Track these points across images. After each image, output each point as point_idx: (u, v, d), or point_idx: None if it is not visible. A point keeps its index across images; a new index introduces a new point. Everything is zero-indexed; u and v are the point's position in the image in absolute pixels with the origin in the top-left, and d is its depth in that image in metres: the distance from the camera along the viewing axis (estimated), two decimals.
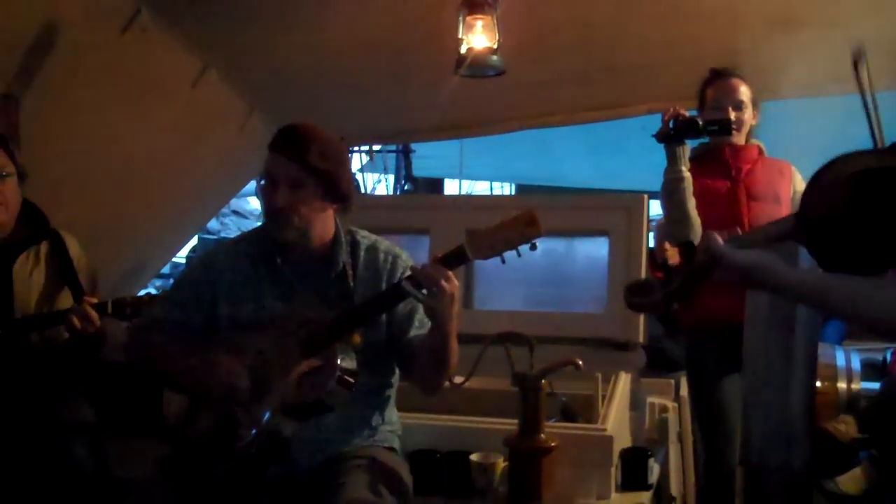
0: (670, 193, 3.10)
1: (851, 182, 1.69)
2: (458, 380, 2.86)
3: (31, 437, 2.76)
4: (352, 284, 2.46)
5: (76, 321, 2.76)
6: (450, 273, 2.22)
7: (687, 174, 3.09)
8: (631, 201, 3.62)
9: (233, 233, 6.93)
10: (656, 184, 3.18)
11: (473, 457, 2.72)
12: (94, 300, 2.84)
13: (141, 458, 2.76)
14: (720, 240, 1.87)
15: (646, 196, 3.60)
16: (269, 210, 2.39)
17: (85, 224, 3.22)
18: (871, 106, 2.58)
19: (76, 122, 3.48)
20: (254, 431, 2.30)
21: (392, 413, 2.60)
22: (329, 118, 3.01)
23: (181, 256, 6.13)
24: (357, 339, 2.35)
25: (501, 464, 2.70)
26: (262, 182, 2.39)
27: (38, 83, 3.27)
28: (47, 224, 2.97)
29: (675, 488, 3.43)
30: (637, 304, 2.12)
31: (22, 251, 2.89)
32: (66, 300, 2.93)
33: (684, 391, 3.64)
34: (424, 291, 2.23)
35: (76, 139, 3.52)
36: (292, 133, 2.39)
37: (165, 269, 5.97)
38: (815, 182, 1.76)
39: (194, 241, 6.68)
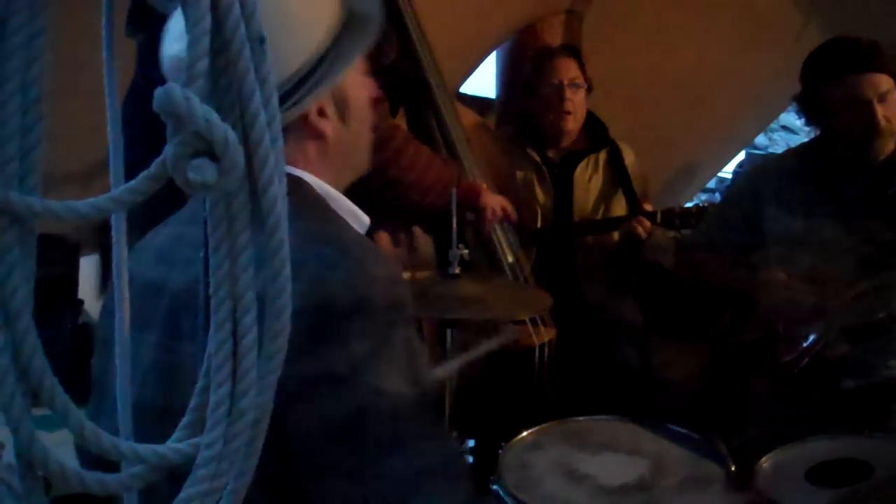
0: None
1: None
2: None
3: (585, 331, 2.97)
4: None
5: (632, 228, 2.91)
6: None
7: None
8: None
9: (780, 148, 6.70)
10: None
11: None
12: (647, 208, 2.96)
13: (682, 362, 2.85)
14: None
15: None
16: (872, 129, 2.25)
17: (639, 135, 3.34)
18: None
19: (633, 34, 3.60)
20: (804, 346, 2.26)
21: None
22: (891, 26, 2.74)
23: (728, 171, 6.07)
24: None
25: None
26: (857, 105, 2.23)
27: None
28: (607, 134, 3.13)
29: None
30: None
31: (583, 158, 3.09)
32: (619, 206, 3.09)
33: None
34: None
35: (632, 52, 3.65)
36: (864, 47, 2.24)
37: (711, 184, 5.98)
38: None
39: (741, 155, 6.57)
